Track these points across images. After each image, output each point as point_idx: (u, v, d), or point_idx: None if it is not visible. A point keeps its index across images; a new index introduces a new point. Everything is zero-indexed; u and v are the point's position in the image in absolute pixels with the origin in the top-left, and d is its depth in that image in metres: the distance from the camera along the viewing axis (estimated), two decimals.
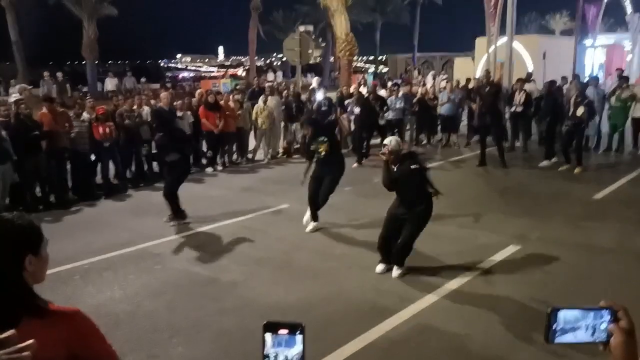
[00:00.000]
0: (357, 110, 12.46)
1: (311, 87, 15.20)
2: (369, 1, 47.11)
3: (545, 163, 11.33)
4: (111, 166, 9.99)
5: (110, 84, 23.17)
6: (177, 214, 7.73)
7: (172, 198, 7.67)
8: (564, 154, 10.93)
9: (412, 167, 5.54)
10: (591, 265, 5.99)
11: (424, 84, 17.23)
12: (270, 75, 32.10)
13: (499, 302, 5.09)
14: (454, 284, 5.50)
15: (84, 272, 6.02)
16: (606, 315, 1.16)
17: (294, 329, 1.13)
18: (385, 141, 5.73)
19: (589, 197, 8.88)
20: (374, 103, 12.65)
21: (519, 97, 12.24)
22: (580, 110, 10.28)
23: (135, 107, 10.68)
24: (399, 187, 5.67)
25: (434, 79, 23.19)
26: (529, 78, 14.64)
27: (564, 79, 15.09)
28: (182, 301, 5.25)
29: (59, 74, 21.96)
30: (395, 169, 5.61)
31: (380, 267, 5.84)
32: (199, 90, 14.15)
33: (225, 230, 7.50)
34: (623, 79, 12.81)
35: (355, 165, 11.50)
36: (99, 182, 9.86)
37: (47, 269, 1.68)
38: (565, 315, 1.17)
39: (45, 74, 20.54)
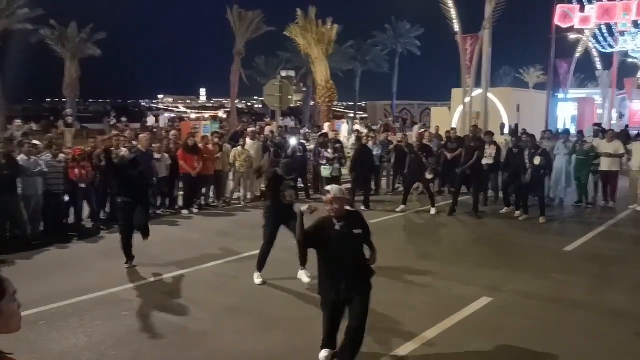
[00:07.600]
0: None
1: (322, 131, 15.06)
2: (349, 50, 48.38)
3: (504, 210, 11.76)
4: (85, 207, 9.87)
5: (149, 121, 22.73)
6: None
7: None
8: (524, 203, 11.27)
9: (356, 232, 4.52)
10: (562, 320, 6.01)
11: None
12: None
13: (470, 357, 5.08)
14: (425, 337, 5.45)
15: (49, 317, 5.86)
16: None
17: None
18: (328, 187, 4.65)
19: (559, 249, 9.01)
20: (421, 154, 11.86)
21: (490, 151, 11.92)
22: (537, 160, 10.86)
23: (112, 148, 10.63)
24: (334, 251, 4.47)
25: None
26: (501, 130, 14.98)
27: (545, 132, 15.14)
28: (149, 350, 5.13)
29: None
30: (337, 227, 4.47)
31: (324, 354, 4.70)
32: (173, 132, 14.22)
33: (197, 276, 7.41)
34: (580, 134, 13.39)
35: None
36: (72, 223, 9.73)
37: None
38: None
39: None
